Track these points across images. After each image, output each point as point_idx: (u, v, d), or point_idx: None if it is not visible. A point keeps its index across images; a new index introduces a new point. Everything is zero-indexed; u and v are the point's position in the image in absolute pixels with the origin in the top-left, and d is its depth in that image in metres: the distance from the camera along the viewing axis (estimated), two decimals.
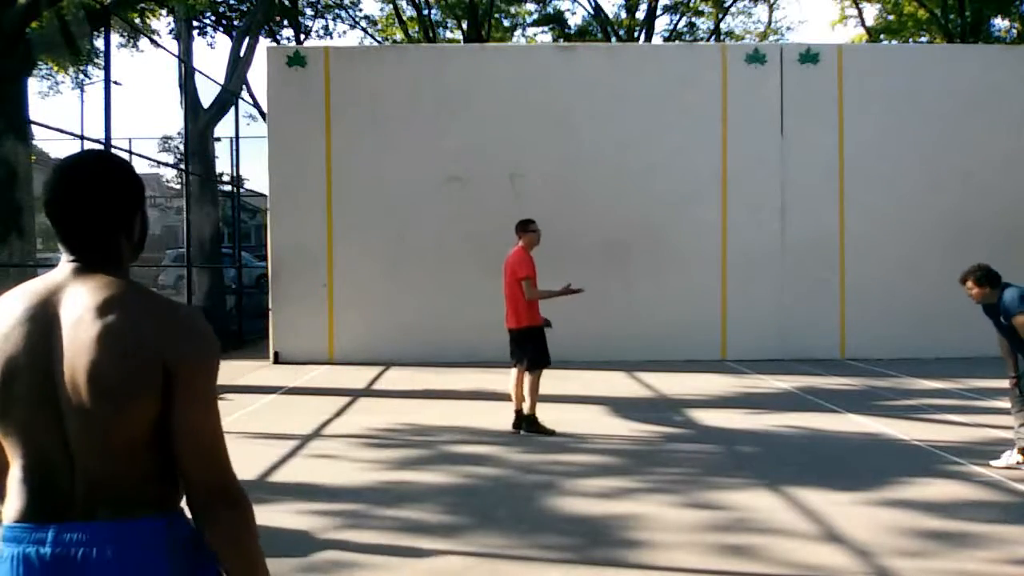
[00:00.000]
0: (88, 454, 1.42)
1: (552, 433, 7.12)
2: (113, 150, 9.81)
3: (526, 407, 7.21)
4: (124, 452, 1.44)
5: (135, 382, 1.42)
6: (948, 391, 9.43)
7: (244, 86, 19.81)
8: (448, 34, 28.07)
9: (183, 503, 1.53)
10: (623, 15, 28.45)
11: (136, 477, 1.45)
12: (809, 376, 10.55)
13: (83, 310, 1.43)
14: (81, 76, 17.61)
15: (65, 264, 1.51)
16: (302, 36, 25.14)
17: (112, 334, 1.41)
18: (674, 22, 28.17)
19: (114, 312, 1.43)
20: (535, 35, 30.04)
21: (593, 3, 27.55)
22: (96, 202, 1.50)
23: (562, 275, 12.10)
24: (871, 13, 26.77)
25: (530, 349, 7.20)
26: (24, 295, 1.48)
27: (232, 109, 16.50)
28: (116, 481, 1.44)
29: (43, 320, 1.44)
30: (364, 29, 27.36)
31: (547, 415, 7.29)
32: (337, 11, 26.34)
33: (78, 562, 1.39)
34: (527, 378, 7.20)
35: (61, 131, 18.28)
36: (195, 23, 20.46)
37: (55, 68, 17.75)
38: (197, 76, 15.94)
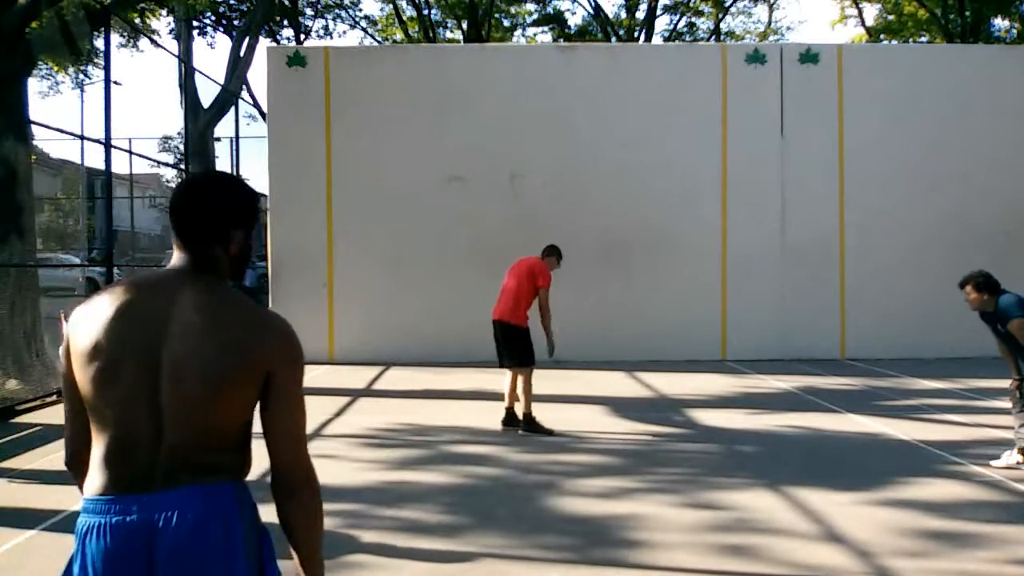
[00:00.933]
0: (179, 430, 1.60)
1: (551, 433, 7.12)
2: (113, 150, 9.81)
3: (521, 407, 7.23)
4: (213, 430, 1.63)
5: (241, 379, 1.63)
6: (948, 391, 9.43)
7: (244, 86, 19.82)
8: (448, 34, 28.07)
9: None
10: (623, 15, 28.48)
11: (216, 449, 1.64)
12: (809, 376, 10.55)
13: (196, 310, 1.65)
14: (81, 76, 17.60)
15: (175, 265, 1.73)
16: (302, 36, 25.16)
17: (225, 336, 1.63)
18: (674, 22, 28.20)
19: (226, 316, 1.66)
20: (535, 35, 30.07)
21: (593, 3, 27.58)
22: (199, 215, 1.73)
23: (562, 275, 12.13)
24: (871, 13, 26.81)
25: (519, 348, 7.23)
26: (137, 286, 1.71)
27: (232, 109, 16.52)
28: (198, 453, 1.62)
29: (155, 311, 1.64)
30: (364, 29, 27.39)
31: (547, 415, 7.30)
32: (337, 11, 26.37)
33: (161, 526, 1.57)
34: (520, 378, 7.23)
35: (61, 131, 18.36)
36: (195, 23, 20.47)
37: (55, 68, 17.73)
38: (197, 76, 15.97)
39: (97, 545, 1.57)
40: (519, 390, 7.26)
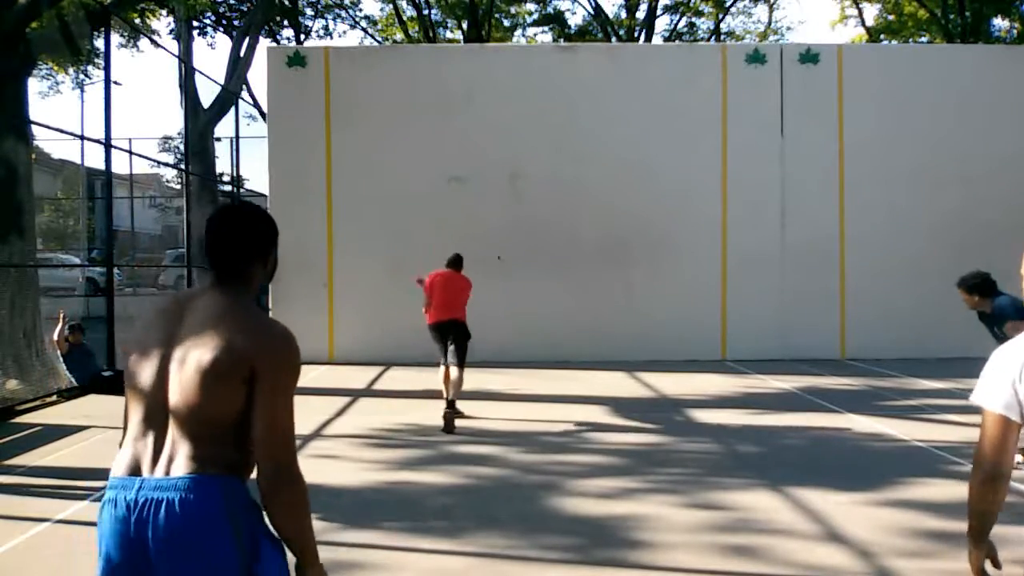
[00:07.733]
0: (179, 419, 1.81)
1: None
2: (113, 150, 9.81)
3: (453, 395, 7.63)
4: (206, 421, 1.80)
5: (225, 374, 1.80)
6: (948, 391, 9.42)
7: (244, 86, 19.82)
8: (448, 34, 28.06)
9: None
10: (623, 15, 28.47)
11: (212, 442, 1.80)
12: (809, 376, 10.55)
13: (202, 316, 1.89)
14: (81, 76, 17.58)
15: (209, 280, 1.99)
16: (302, 36, 25.15)
17: (220, 335, 1.83)
18: (674, 22, 28.19)
19: (229, 319, 1.87)
20: (535, 35, 30.06)
21: (593, 3, 27.57)
22: (242, 243, 2.02)
23: (563, 275, 12.16)
24: (871, 13, 26.81)
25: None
26: (172, 299, 2.00)
27: (232, 109, 16.51)
28: (196, 443, 1.79)
29: (173, 319, 1.91)
30: (364, 29, 27.37)
31: (547, 414, 7.29)
32: (337, 11, 26.36)
33: (155, 506, 1.75)
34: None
35: (61, 131, 18.33)
36: (195, 23, 20.47)
37: (55, 68, 17.73)
38: (197, 76, 15.96)
39: (106, 518, 1.81)
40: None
